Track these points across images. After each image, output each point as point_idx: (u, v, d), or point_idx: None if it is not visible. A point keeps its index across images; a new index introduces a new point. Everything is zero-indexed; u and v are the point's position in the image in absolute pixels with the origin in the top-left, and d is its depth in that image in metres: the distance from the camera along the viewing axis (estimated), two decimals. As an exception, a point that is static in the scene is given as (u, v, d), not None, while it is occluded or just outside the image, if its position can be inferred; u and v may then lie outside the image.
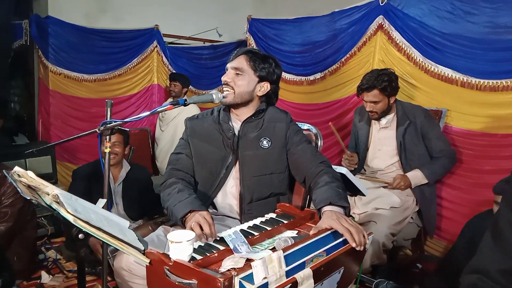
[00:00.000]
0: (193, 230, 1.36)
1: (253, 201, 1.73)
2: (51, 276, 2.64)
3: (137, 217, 2.82)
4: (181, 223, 1.52)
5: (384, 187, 2.60)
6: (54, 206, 1.03)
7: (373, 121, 2.71)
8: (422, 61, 2.86)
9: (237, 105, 1.75)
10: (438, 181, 2.70)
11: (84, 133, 1.71)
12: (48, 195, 1.04)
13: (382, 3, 3.05)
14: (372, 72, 2.58)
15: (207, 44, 4.92)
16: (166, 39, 4.66)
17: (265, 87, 1.75)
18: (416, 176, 2.55)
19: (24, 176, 1.10)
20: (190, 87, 4.44)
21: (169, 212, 1.62)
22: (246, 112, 1.77)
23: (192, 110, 3.76)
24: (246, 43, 4.20)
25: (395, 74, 2.58)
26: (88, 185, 2.70)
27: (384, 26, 3.08)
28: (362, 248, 1.25)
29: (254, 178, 1.72)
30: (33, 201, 1.13)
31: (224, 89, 1.72)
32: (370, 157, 2.73)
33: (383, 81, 2.48)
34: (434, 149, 2.57)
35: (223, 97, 1.70)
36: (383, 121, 2.65)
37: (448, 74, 2.74)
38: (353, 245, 1.24)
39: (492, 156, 2.56)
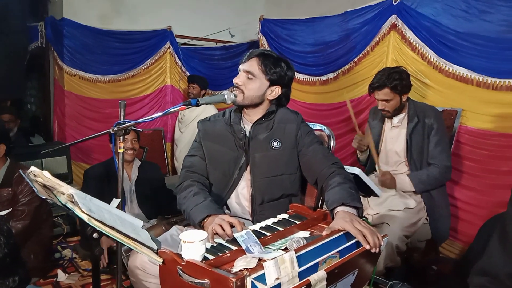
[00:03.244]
0: (216, 233, 1.37)
1: (264, 202, 1.73)
2: (67, 274, 2.67)
3: (151, 215, 2.84)
4: (200, 227, 1.53)
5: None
6: (69, 205, 1.04)
7: (386, 120, 2.69)
8: (436, 61, 2.84)
9: (247, 106, 1.76)
10: (443, 186, 2.56)
11: (99, 133, 1.73)
12: (63, 194, 1.05)
13: (395, 2, 3.03)
14: (383, 71, 2.56)
15: (219, 45, 4.94)
16: (179, 40, 4.68)
17: (276, 91, 1.75)
18: (403, 182, 2.49)
19: (40, 175, 1.12)
20: (204, 87, 4.45)
21: (186, 215, 1.63)
22: (256, 114, 1.77)
23: (211, 112, 3.78)
24: (258, 43, 4.21)
25: (407, 72, 2.54)
26: (100, 185, 2.73)
27: (397, 25, 3.05)
28: (377, 250, 1.24)
29: (264, 179, 1.72)
30: (48, 200, 1.15)
31: (234, 91, 1.72)
32: (381, 155, 2.71)
33: (394, 79, 2.46)
34: (430, 154, 2.48)
35: (234, 96, 1.71)
36: (395, 119, 2.62)
37: (463, 73, 2.71)
38: (367, 247, 1.22)
39: (509, 156, 2.52)
